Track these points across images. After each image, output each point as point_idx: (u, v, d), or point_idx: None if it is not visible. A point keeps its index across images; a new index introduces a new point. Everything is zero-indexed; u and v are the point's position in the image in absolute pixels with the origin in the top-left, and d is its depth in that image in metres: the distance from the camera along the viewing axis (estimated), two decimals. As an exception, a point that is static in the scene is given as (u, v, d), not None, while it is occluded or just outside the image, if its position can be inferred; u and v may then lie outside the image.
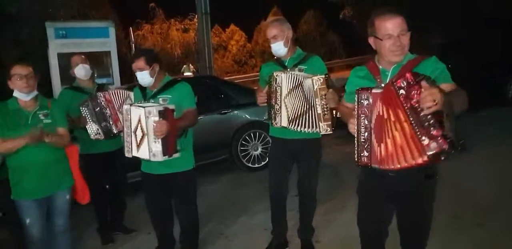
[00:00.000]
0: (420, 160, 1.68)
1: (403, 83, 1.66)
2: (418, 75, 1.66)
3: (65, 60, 6.35)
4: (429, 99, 1.57)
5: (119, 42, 17.38)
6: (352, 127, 1.91)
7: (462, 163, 4.71)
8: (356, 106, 1.86)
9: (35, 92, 2.62)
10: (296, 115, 2.67)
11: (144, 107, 2.52)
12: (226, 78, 19.62)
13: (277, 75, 2.67)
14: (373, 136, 1.82)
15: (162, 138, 2.53)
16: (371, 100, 1.81)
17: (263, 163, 5.37)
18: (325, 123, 2.61)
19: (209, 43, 9.18)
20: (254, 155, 5.43)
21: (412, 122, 1.67)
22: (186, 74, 10.38)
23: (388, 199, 2.03)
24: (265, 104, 2.81)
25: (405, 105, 1.67)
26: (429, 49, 9.21)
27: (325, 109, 2.58)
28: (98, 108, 3.23)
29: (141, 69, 2.69)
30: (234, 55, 23.09)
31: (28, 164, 2.58)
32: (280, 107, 2.69)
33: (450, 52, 8.11)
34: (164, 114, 2.54)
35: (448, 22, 15.18)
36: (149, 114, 2.50)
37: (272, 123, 2.78)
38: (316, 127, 2.65)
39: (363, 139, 1.86)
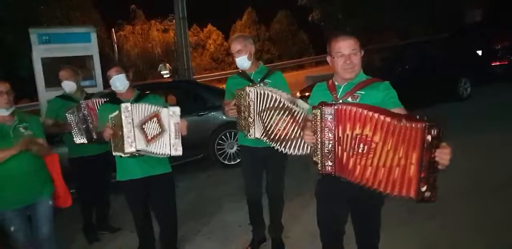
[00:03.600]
0: (407, 197, 1.70)
1: (434, 131, 1.62)
2: (442, 130, 1.63)
3: (50, 64, 6.24)
4: (447, 158, 1.64)
5: (103, 42, 17.00)
6: (308, 138, 1.94)
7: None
8: (320, 120, 1.86)
9: (14, 107, 2.60)
10: (279, 136, 2.62)
11: (167, 107, 2.67)
12: (204, 75, 19.55)
13: (250, 91, 2.63)
14: (338, 148, 1.85)
15: (181, 136, 2.66)
16: (334, 115, 1.83)
17: (238, 160, 5.40)
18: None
19: (187, 46, 9.07)
20: (230, 153, 5.47)
21: (422, 169, 1.65)
22: (163, 72, 10.43)
23: (343, 201, 2.10)
24: (235, 115, 2.81)
25: (425, 152, 1.64)
26: (390, 50, 9.41)
27: None
28: (82, 115, 3.29)
29: (118, 72, 2.79)
30: (212, 53, 22.93)
31: (9, 175, 2.51)
32: (254, 120, 2.67)
33: (408, 53, 8.29)
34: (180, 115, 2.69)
35: (408, 24, 15.51)
36: (173, 114, 2.62)
37: (245, 135, 2.75)
38: (304, 149, 2.61)
39: (327, 150, 1.87)
